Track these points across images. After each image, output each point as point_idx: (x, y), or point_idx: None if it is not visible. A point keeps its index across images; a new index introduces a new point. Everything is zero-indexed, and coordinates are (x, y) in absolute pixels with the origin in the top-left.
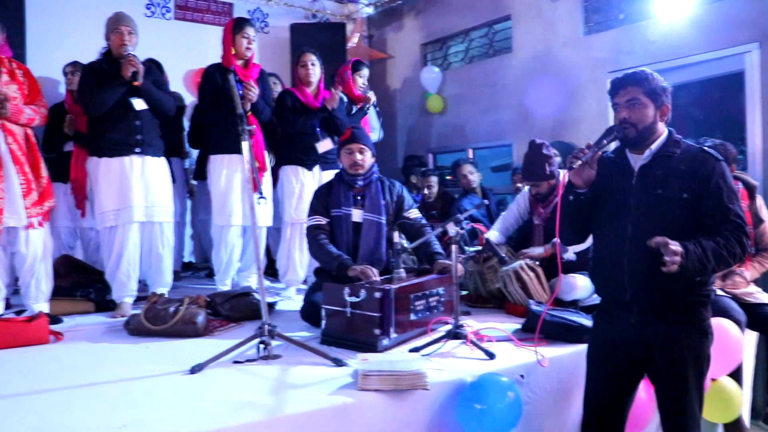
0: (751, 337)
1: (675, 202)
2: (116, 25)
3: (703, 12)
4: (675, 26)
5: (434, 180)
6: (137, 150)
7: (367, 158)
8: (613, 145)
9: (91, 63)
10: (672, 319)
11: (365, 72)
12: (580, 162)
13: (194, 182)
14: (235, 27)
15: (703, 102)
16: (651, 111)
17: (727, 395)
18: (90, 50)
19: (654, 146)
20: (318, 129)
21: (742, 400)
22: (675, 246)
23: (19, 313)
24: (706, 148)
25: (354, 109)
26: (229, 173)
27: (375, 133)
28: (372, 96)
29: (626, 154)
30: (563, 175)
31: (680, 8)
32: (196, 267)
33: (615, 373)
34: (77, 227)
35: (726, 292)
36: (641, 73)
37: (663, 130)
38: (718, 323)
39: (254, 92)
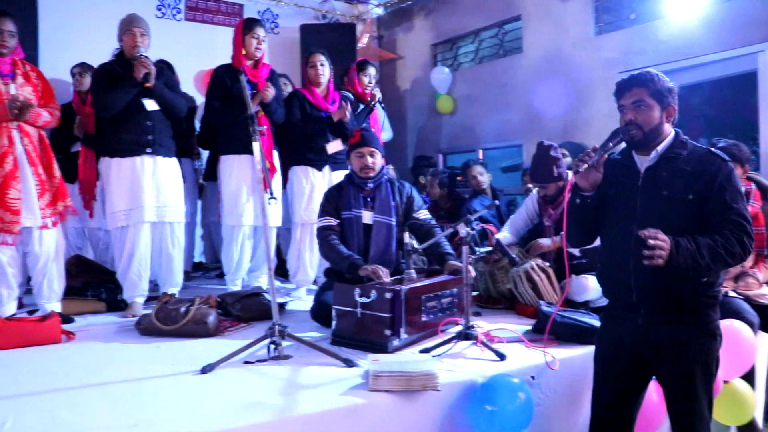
0: (764, 339)
1: (680, 203)
2: (129, 26)
3: (714, 11)
4: (686, 26)
5: (435, 182)
6: (149, 150)
7: (377, 161)
8: (621, 147)
9: (103, 64)
10: (678, 321)
11: (370, 71)
12: (586, 165)
13: (204, 183)
14: (245, 27)
15: (715, 102)
16: (657, 112)
17: (740, 397)
18: (101, 51)
19: (660, 147)
20: (327, 132)
21: (755, 402)
22: (658, 241)
23: (31, 312)
24: (713, 149)
25: (360, 107)
26: (239, 174)
27: (385, 134)
28: (377, 92)
29: (633, 156)
30: (572, 176)
31: (692, 8)
32: (207, 267)
33: (622, 374)
34: (85, 227)
35: (738, 293)
36: (646, 74)
37: (669, 131)
38: (730, 325)
39: (271, 92)
